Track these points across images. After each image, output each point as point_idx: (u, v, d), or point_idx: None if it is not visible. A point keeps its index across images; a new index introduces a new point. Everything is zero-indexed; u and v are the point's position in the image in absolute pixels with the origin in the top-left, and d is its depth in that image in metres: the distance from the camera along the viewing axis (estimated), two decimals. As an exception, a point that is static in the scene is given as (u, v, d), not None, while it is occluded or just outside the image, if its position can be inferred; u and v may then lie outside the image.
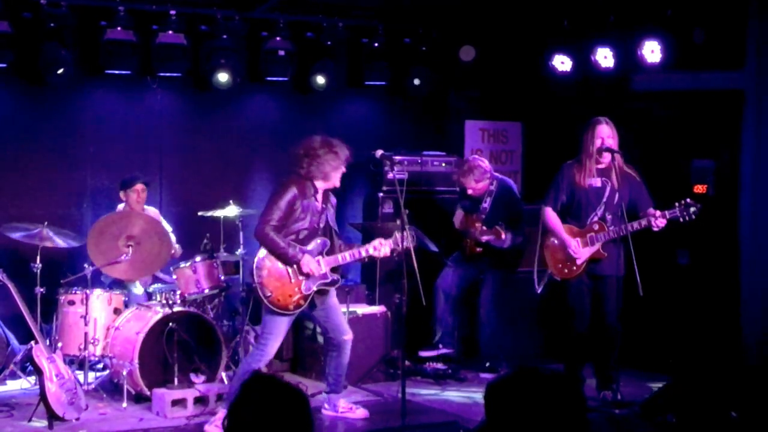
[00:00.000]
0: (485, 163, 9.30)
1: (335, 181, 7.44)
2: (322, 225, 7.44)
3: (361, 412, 7.83)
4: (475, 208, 9.22)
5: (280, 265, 7.31)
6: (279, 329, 7.36)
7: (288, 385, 3.10)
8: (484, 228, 9.06)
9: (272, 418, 3.00)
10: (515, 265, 9.32)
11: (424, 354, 9.25)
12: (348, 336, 7.65)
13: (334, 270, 7.48)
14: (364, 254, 7.50)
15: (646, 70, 9.40)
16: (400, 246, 7.44)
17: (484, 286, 9.26)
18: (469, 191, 9.20)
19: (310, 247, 7.36)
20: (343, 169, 7.45)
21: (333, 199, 7.61)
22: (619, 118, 8.13)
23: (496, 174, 9.39)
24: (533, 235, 8.41)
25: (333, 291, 7.60)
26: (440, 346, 9.29)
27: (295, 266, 7.31)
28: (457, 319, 9.48)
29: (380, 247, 7.43)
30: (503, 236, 8.95)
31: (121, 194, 9.05)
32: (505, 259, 9.21)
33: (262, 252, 7.33)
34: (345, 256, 7.48)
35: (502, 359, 9.16)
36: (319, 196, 7.41)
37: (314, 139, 7.43)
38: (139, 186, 9.00)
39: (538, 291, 8.20)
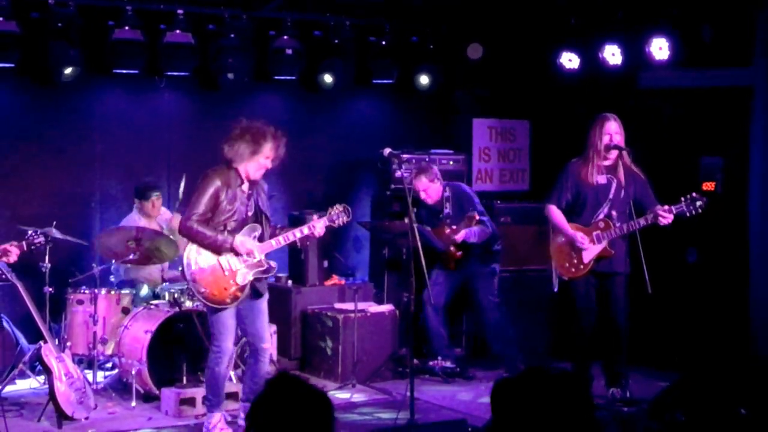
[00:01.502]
0: (435, 168, 9.23)
1: (252, 173, 7.05)
2: (251, 213, 7.12)
3: None
4: (437, 216, 9.13)
5: (211, 258, 7.04)
6: (226, 325, 7.08)
7: (312, 388, 3.09)
8: (454, 227, 9.00)
9: (295, 419, 2.99)
10: (498, 256, 9.24)
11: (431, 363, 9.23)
12: (266, 345, 7.29)
13: (267, 257, 7.19)
14: (299, 235, 7.21)
15: (654, 68, 9.38)
16: (336, 222, 7.28)
17: (479, 289, 9.15)
18: (422, 194, 9.05)
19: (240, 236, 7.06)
20: (266, 165, 7.05)
21: (265, 185, 7.31)
22: (626, 115, 8.11)
23: (446, 181, 9.30)
24: (545, 234, 8.39)
25: (265, 296, 7.29)
26: (439, 358, 9.24)
27: (228, 256, 7.03)
28: (450, 328, 9.40)
29: (314, 228, 7.20)
30: (477, 218, 8.87)
31: (136, 201, 9.07)
32: (485, 257, 9.15)
33: (191, 248, 7.05)
34: (279, 240, 7.18)
35: (518, 360, 9.03)
36: (245, 185, 7.09)
37: (239, 121, 7.10)
38: (154, 197, 9.03)
39: (555, 289, 8.17)
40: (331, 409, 3.09)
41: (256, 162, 7.02)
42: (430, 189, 9.08)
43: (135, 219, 9.01)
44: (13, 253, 7.11)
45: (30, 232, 7.40)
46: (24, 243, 7.21)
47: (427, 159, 9.97)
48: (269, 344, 7.51)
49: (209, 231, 6.95)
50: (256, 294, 7.18)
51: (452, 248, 9.03)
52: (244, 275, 7.08)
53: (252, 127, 7.06)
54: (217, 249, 7.01)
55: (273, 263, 7.24)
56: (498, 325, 9.13)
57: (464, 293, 9.33)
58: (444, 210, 9.11)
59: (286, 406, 3.01)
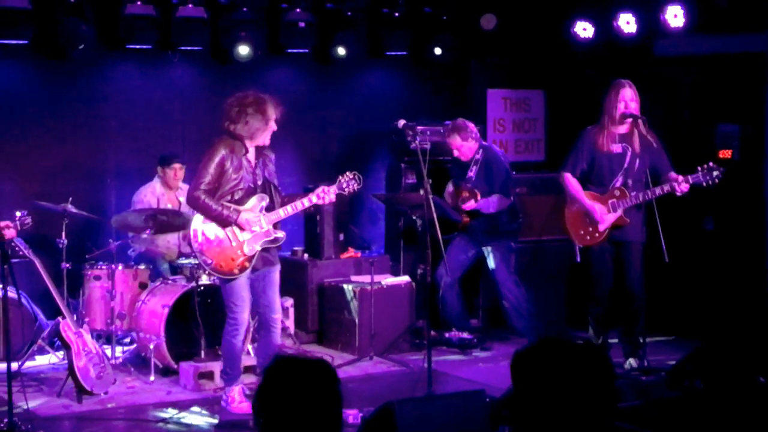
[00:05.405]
0: (472, 126, 9.11)
1: (263, 140, 7.12)
2: (259, 182, 7.15)
3: None
4: (463, 176, 9.11)
5: (217, 229, 7.07)
6: (240, 294, 7.11)
7: (311, 360, 3.09)
8: (468, 195, 8.91)
9: (301, 396, 2.99)
10: (515, 234, 9.17)
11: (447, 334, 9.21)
12: (277, 315, 7.32)
13: (276, 227, 7.21)
14: (307, 204, 7.22)
15: (670, 35, 9.31)
16: (346, 190, 7.29)
17: (496, 266, 9.01)
18: (455, 152, 9.01)
19: (248, 205, 7.08)
20: (273, 128, 7.13)
21: (271, 155, 7.31)
22: (642, 83, 8.06)
23: (485, 142, 9.25)
24: (561, 204, 8.36)
25: (277, 266, 7.30)
26: (453, 329, 9.22)
27: (233, 227, 7.05)
28: (466, 300, 9.37)
29: (324, 195, 7.20)
30: (479, 198, 8.81)
31: (159, 169, 9.09)
32: (502, 230, 9.07)
33: (197, 219, 7.09)
34: (287, 209, 7.18)
35: (539, 334, 8.96)
36: (251, 155, 7.13)
37: (247, 94, 7.10)
38: (177, 165, 9.06)
39: (578, 260, 8.15)
40: (333, 372, 3.08)
41: (269, 129, 7.10)
42: (464, 148, 8.98)
43: (154, 187, 9.05)
44: (9, 233, 7.07)
45: (19, 215, 7.35)
46: (17, 223, 7.19)
47: (442, 130, 9.93)
48: (280, 315, 7.52)
49: (215, 204, 6.99)
50: (266, 264, 7.19)
51: (464, 213, 8.98)
52: (252, 245, 7.10)
53: (248, 99, 7.06)
54: (222, 223, 7.05)
55: (281, 233, 7.25)
56: (518, 302, 9.06)
57: (481, 267, 9.29)
58: (468, 172, 9.04)
59: (288, 386, 3.01)
